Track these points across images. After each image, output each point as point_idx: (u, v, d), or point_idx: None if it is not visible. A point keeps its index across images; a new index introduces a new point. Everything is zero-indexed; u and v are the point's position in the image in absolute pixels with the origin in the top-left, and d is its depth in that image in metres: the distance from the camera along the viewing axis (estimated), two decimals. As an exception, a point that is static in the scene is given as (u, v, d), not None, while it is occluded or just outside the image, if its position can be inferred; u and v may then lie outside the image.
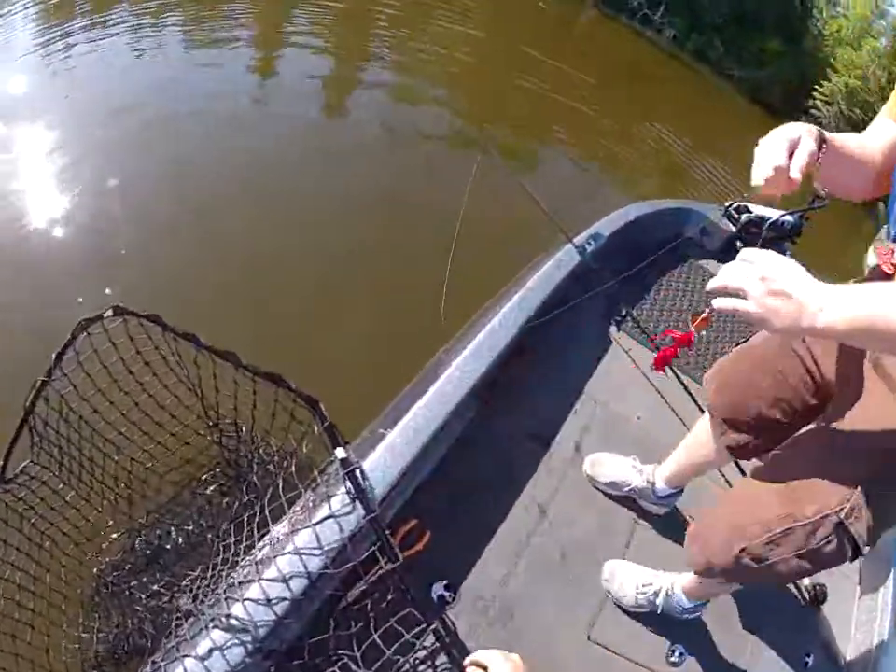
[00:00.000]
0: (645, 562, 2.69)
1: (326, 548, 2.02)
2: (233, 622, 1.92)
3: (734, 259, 3.60)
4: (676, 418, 3.42)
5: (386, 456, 2.37)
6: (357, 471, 2.04)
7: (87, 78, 6.60)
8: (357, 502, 2.05)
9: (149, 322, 2.18)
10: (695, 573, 2.15)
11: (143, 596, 2.67)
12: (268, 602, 1.95)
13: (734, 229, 4.67)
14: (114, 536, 2.92)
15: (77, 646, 2.53)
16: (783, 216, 4.55)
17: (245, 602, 1.94)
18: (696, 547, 2.00)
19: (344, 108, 7.48)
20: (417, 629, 2.05)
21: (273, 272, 4.81)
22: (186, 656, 1.83)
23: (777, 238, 4.61)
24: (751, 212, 4.63)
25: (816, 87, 14.28)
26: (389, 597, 2.08)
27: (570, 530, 2.82)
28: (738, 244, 4.63)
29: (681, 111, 10.90)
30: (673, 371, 3.45)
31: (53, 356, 2.15)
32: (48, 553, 2.49)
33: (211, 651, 1.83)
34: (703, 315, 1.59)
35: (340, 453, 2.03)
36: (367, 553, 2.02)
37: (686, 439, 2.64)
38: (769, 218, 4.56)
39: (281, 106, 6.86)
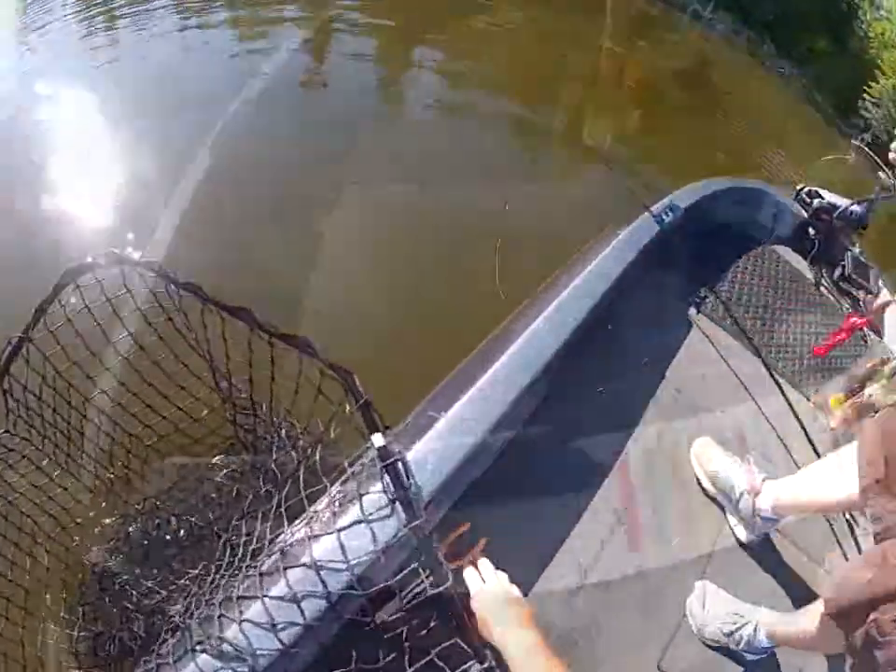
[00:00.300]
0: (725, 581, 2.39)
1: (353, 562, 1.54)
2: (226, 647, 1.49)
3: (806, 245, 3.62)
4: (761, 415, 3.01)
5: (437, 446, 1.87)
6: (399, 465, 1.53)
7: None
8: (396, 505, 1.55)
9: (149, 272, 1.78)
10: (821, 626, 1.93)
11: (135, 593, 2.27)
12: (272, 626, 1.50)
13: (805, 214, 4.27)
14: (106, 521, 2.51)
15: (53, 641, 2.22)
16: (851, 205, 4.14)
17: (244, 624, 1.51)
18: (833, 603, 1.84)
19: (398, 90, 7.02)
20: (464, 664, 1.54)
21: (315, 248, 4.37)
22: (163, 684, 1.45)
23: (844, 228, 4.21)
24: (823, 197, 4.23)
25: (865, 88, 13.71)
26: (431, 623, 1.60)
27: (649, 539, 2.41)
28: (810, 230, 4.25)
29: (735, 101, 10.39)
30: (765, 364, 3.19)
31: (34, 310, 1.83)
32: (28, 537, 2.16)
33: (194, 680, 1.42)
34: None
35: (377, 440, 1.52)
36: (406, 572, 1.53)
37: (817, 481, 2.32)
38: (840, 206, 4.16)
39: (330, 88, 6.41)
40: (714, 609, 2.29)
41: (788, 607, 2.38)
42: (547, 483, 2.36)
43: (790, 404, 3.03)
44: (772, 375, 3.14)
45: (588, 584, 2.23)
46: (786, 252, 4.23)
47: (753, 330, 3.42)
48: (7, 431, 2.02)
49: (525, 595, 2.03)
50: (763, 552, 2.55)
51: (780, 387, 3.11)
